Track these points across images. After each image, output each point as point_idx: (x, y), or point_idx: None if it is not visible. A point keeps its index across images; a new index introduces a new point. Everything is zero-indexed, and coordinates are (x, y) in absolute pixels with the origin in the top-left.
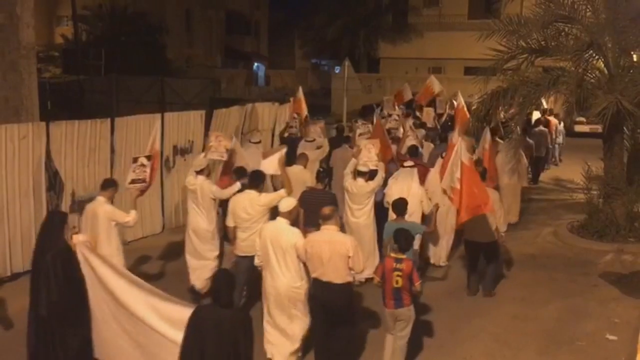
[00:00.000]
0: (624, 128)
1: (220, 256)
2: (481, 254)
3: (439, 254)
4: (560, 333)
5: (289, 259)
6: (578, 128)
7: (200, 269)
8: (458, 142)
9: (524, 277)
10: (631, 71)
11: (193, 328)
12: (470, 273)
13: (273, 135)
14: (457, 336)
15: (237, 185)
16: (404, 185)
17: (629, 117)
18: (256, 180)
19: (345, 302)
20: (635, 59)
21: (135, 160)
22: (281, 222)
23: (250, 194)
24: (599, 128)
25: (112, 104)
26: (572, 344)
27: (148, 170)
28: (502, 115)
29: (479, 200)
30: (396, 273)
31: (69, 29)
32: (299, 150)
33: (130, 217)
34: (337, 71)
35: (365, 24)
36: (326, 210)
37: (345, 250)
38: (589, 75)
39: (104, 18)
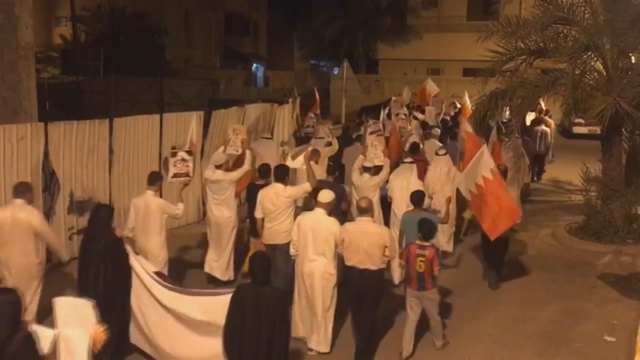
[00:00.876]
0: (623, 129)
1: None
2: (494, 247)
3: (440, 239)
4: (559, 334)
5: (326, 246)
6: (576, 129)
7: (220, 258)
8: (484, 148)
9: (523, 279)
10: (629, 73)
11: (235, 305)
12: (485, 264)
13: (272, 137)
14: (456, 337)
15: (245, 167)
16: (404, 179)
17: (628, 118)
18: (281, 174)
19: (379, 286)
20: (633, 61)
21: (173, 154)
22: (320, 212)
23: (277, 186)
24: (597, 129)
25: (111, 104)
26: (571, 345)
27: (191, 164)
28: (507, 114)
29: (506, 214)
30: (420, 259)
31: (67, 29)
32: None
33: (180, 209)
34: (336, 72)
35: (364, 25)
36: (363, 203)
37: (383, 241)
38: (588, 76)
39: (103, 19)
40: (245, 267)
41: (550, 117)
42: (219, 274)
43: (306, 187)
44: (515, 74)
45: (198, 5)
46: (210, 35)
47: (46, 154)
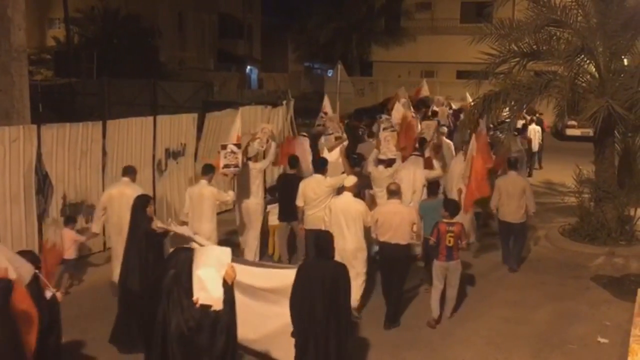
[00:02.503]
0: (615, 132)
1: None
2: (512, 233)
3: None
4: (552, 336)
5: (357, 225)
6: (569, 132)
7: (248, 241)
8: (472, 138)
9: (516, 281)
10: (622, 75)
11: (302, 277)
12: (504, 249)
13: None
14: (450, 339)
15: (269, 159)
16: (410, 171)
17: (620, 120)
18: (321, 166)
19: (408, 257)
20: (626, 63)
21: (224, 147)
22: (348, 195)
23: (317, 177)
24: (590, 132)
25: (104, 106)
26: (564, 347)
27: (239, 156)
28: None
29: (477, 188)
30: (449, 234)
31: (61, 31)
32: (322, 142)
33: (230, 196)
34: (329, 74)
35: (358, 27)
36: (393, 187)
37: (411, 219)
38: (580, 79)
39: (96, 20)
40: (271, 249)
41: (535, 122)
42: (247, 256)
43: (343, 176)
44: (508, 77)
45: (192, 8)
46: (204, 38)
47: (39, 157)
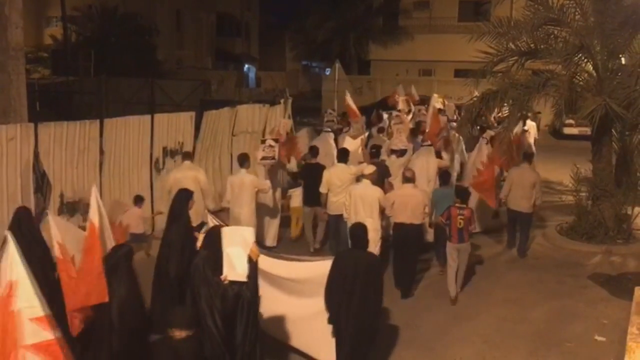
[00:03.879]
0: (613, 130)
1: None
2: (518, 221)
3: None
4: (550, 334)
5: (374, 209)
6: (567, 130)
7: (270, 228)
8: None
9: (514, 279)
10: (619, 74)
11: (337, 266)
12: (510, 235)
13: (264, 136)
14: (447, 338)
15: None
16: (424, 159)
17: (617, 119)
18: (344, 156)
19: (421, 236)
20: (623, 62)
21: (263, 142)
22: (367, 182)
23: (341, 166)
24: (587, 130)
25: (102, 105)
26: (562, 346)
27: (276, 149)
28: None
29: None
30: (460, 217)
31: (58, 29)
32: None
33: (267, 184)
34: (327, 73)
35: (355, 26)
36: (407, 173)
37: (424, 202)
38: (578, 77)
39: (94, 19)
40: (293, 233)
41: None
42: (267, 242)
43: (364, 165)
44: (506, 75)
45: (190, 6)
46: (201, 36)
47: (36, 155)
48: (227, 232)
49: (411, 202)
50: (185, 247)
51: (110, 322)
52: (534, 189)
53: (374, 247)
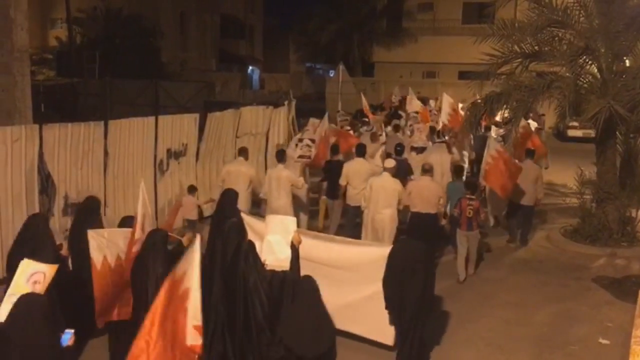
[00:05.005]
0: (617, 133)
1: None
2: (521, 213)
3: None
4: (553, 337)
5: (392, 199)
6: (571, 133)
7: (300, 217)
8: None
9: (517, 282)
10: (624, 76)
11: (394, 256)
12: (511, 227)
13: (267, 139)
14: (450, 341)
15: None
16: (438, 155)
17: (622, 121)
18: (361, 151)
19: (436, 224)
20: (628, 64)
21: (300, 140)
22: (386, 175)
23: (360, 160)
24: (592, 133)
25: (106, 106)
26: (565, 348)
27: (313, 149)
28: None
29: (500, 181)
30: (469, 207)
31: (63, 31)
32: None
33: (301, 180)
34: (331, 75)
35: (359, 28)
36: (426, 166)
37: (439, 193)
38: (582, 80)
39: (99, 21)
40: (321, 224)
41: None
42: None
43: (386, 160)
44: (510, 77)
45: (194, 8)
46: (206, 38)
47: (41, 156)
48: (270, 221)
49: (427, 193)
50: (226, 247)
51: (146, 300)
52: (537, 183)
53: (391, 234)
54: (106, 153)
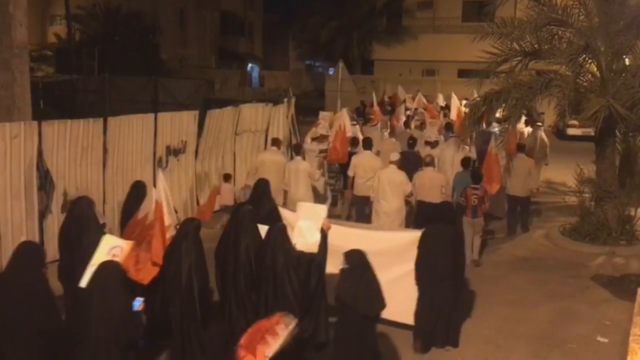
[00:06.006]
0: (616, 131)
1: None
2: (518, 204)
3: None
4: (552, 335)
5: (400, 190)
6: (570, 131)
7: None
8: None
9: (516, 280)
10: (624, 75)
11: (425, 240)
12: (510, 218)
13: (267, 136)
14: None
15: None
16: (452, 149)
17: (621, 120)
18: (368, 145)
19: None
20: (627, 63)
21: (315, 138)
22: (393, 167)
23: (367, 153)
24: (591, 131)
25: (105, 103)
26: (564, 347)
27: (327, 145)
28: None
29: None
30: (474, 196)
31: (62, 28)
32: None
33: (317, 173)
34: (330, 73)
35: (359, 26)
36: (427, 158)
37: (441, 183)
38: (582, 78)
39: (98, 17)
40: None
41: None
42: None
43: (392, 154)
44: (510, 76)
45: (193, 5)
46: (205, 35)
47: (40, 153)
48: (301, 208)
49: (430, 183)
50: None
51: (180, 284)
52: (530, 175)
53: (399, 222)
54: (105, 150)
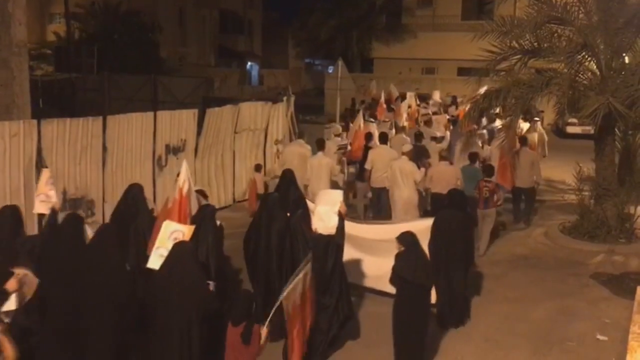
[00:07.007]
0: (615, 129)
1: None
2: (523, 195)
3: None
4: (551, 333)
5: (410, 180)
6: (570, 129)
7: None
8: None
9: (515, 278)
10: (623, 73)
11: (437, 223)
12: (516, 209)
13: (266, 135)
14: (449, 336)
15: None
16: (458, 145)
17: (620, 118)
18: (384, 139)
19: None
20: (627, 61)
21: (338, 135)
22: (405, 159)
23: (383, 147)
24: (590, 129)
25: (105, 102)
26: (563, 344)
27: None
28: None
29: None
30: (485, 189)
31: (61, 26)
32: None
33: (337, 169)
34: (330, 71)
35: (358, 24)
36: (443, 153)
37: (456, 176)
38: (581, 76)
39: (97, 16)
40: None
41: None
42: None
43: (404, 146)
44: (509, 74)
45: (192, 3)
46: (204, 33)
47: (39, 152)
48: (320, 194)
49: (444, 176)
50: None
51: (198, 264)
52: (533, 166)
53: (416, 209)
54: (105, 148)
